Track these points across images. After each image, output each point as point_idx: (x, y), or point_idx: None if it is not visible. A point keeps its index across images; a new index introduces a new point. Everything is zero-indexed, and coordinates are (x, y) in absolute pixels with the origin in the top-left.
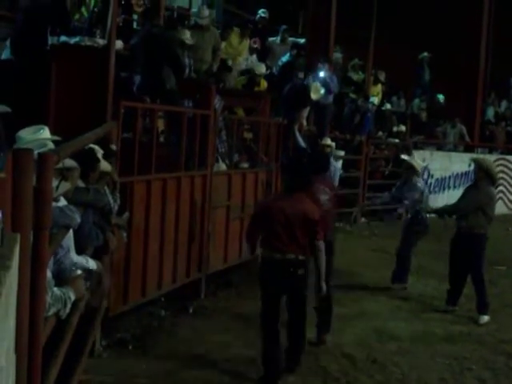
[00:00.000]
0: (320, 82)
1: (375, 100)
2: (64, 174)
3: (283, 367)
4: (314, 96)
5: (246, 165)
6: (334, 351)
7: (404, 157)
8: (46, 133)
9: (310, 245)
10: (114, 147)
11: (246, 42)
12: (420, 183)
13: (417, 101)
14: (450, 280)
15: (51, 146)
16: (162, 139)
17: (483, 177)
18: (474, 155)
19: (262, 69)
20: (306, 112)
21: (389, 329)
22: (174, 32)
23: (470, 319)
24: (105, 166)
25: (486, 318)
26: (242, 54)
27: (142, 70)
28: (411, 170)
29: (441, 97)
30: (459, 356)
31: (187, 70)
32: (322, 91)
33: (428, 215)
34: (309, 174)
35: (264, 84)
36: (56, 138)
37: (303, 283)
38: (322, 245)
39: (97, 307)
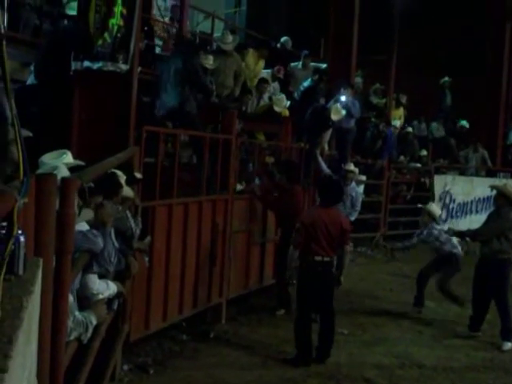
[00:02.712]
0: (342, 107)
1: (397, 123)
2: (87, 199)
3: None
4: (334, 117)
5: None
6: (355, 376)
7: (421, 206)
8: (68, 157)
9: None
10: (138, 175)
11: (262, 63)
12: (436, 230)
13: (434, 124)
14: (472, 305)
15: (64, 171)
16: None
17: (503, 203)
18: (497, 180)
19: (282, 104)
20: (327, 136)
21: (411, 354)
22: (196, 57)
23: (493, 345)
24: (127, 191)
25: (509, 345)
26: (257, 75)
27: (163, 94)
28: (430, 216)
29: (464, 122)
30: (482, 383)
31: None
32: (343, 112)
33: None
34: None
35: (285, 111)
36: (79, 162)
37: (333, 276)
38: (348, 249)
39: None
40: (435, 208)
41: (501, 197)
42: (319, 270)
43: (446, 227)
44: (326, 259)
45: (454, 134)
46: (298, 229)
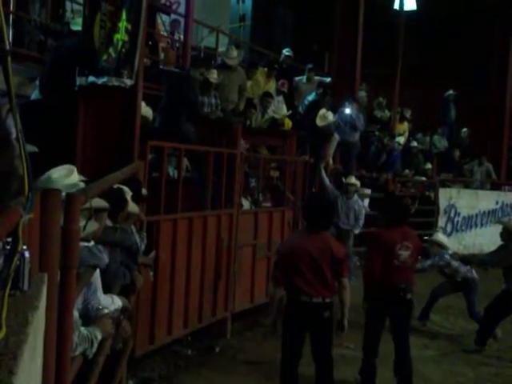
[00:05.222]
0: (346, 120)
1: (401, 140)
2: (92, 214)
3: None
4: (320, 123)
5: (268, 204)
6: None
7: (427, 238)
8: (74, 175)
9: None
10: (144, 192)
11: (273, 83)
12: (447, 255)
13: (436, 137)
14: (482, 320)
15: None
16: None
17: (508, 238)
18: (502, 193)
19: (281, 111)
20: (332, 150)
21: (417, 369)
22: (196, 69)
23: (499, 359)
24: (133, 207)
25: None
26: None
27: (161, 113)
28: (439, 246)
29: (465, 130)
30: None
31: (209, 110)
32: (330, 118)
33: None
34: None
35: (289, 124)
36: (82, 178)
37: (329, 325)
38: (347, 282)
39: (120, 349)
40: (442, 237)
41: (506, 232)
42: (306, 313)
43: (451, 251)
44: (317, 300)
45: (459, 145)
46: (275, 262)
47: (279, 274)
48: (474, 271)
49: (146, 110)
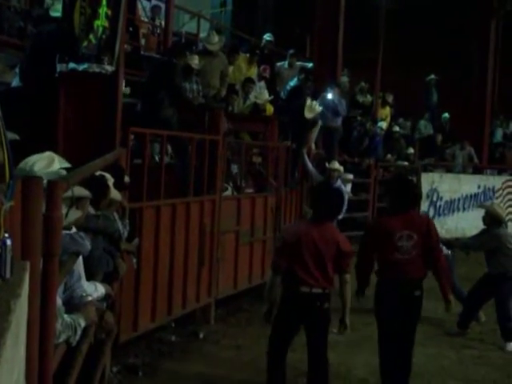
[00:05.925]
0: (328, 105)
1: (383, 124)
2: (74, 202)
3: None
4: (308, 115)
5: (250, 190)
6: (347, 376)
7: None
8: (55, 163)
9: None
10: (127, 179)
11: (255, 69)
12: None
13: (422, 122)
14: (465, 303)
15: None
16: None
17: (490, 222)
18: (484, 177)
19: (263, 97)
20: (314, 135)
21: None
22: (180, 58)
23: (481, 342)
24: (115, 194)
25: None
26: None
27: (143, 99)
28: None
29: (446, 115)
30: (471, 379)
31: (191, 96)
32: (318, 109)
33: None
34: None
35: (270, 109)
36: (66, 164)
37: (328, 317)
38: (349, 278)
39: (104, 338)
40: None
41: (488, 216)
42: (305, 304)
43: None
44: (317, 291)
45: (441, 129)
46: (277, 248)
47: (281, 261)
48: (448, 250)
49: None
